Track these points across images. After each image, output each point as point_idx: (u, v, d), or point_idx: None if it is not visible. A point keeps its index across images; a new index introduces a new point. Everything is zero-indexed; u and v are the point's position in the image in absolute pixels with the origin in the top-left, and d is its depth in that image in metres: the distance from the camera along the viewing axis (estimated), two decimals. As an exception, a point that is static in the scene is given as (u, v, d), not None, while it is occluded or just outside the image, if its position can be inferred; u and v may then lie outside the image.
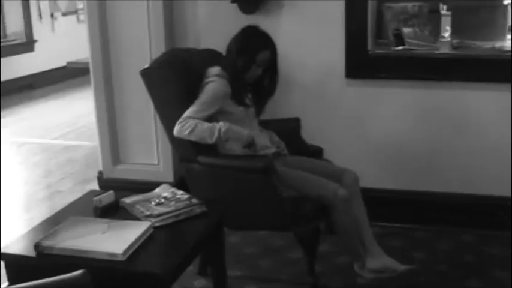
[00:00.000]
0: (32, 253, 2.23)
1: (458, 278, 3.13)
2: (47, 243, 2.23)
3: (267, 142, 3.07)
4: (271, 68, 3.04)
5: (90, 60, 3.82)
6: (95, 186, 4.09)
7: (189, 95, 2.95)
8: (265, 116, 3.19)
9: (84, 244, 2.19)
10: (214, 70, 2.98)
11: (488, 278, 3.13)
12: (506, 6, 3.71)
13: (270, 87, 3.10)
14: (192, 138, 2.84)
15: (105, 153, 3.93)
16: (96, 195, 2.59)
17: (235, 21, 3.53)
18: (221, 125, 2.84)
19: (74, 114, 7.08)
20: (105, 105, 3.83)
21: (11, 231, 3.76)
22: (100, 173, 4.04)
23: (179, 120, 2.85)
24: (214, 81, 2.93)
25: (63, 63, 6.58)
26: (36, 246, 2.23)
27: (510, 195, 3.48)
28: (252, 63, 2.96)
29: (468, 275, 3.15)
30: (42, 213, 4.01)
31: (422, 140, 3.61)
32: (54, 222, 2.45)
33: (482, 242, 3.47)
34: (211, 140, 2.84)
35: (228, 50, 3.04)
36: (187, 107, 2.92)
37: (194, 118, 2.84)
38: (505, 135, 3.46)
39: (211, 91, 2.91)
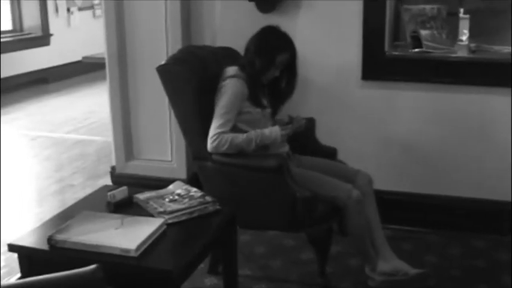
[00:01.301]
0: (45, 246, 2.24)
1: (468, 283, 3.12)
2: (60, 237, 2.23)
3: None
4: (290, 69, 3.03)
5: (105, 55, 3.83)
6: (106, 181, 4.12)
7: (205, 93, 2.94)
8: (280, 116, 3.18)
9: (97, 239, 2.19)
10: (232, 70, 2.96)
11: (497, 284, 3.11)
12: (525, 10, 3.68)
13: (288, 90, 3.08)
14: (229, 152, 2.85)
15: (118, 149, 3.94)
16: (109, 191, 2.59)
17: (252, 19, 3.53)
18: (254, 135, 2.85)
19: (87, 109, 7.11)
20: (119, 100, 3.83)
21: (22, 225, 3.78)
22: (113, 168, 4.05)
23: (211, 136, 2.84)
24: (231, 83, 2.91)
25: (78, 58, 6.60)
26: (50, 240, 2.23)
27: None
28: (271, 64, 2.94)
29: (478, 279, 3.14)
30: (53, 208, 4.03)
31: (437, 143, 3.58)
32: (67, 216, 2.45)
33: (493, 248, 3.45)
34: (249, 150, 2.86)
35: (247, 49, 3.02)
36: (202, 105, 2.93)
37: (225, 132, 2.84)
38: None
39: (229, 95, 2.89)
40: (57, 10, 8.91)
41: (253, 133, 2.87)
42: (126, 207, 2.54)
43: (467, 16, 3.78)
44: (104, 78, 3.92)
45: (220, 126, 2.85)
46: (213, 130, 2.85)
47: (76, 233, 2.24)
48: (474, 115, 3.50)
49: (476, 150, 3.54)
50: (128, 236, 2.22)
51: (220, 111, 2.88)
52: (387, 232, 3.12)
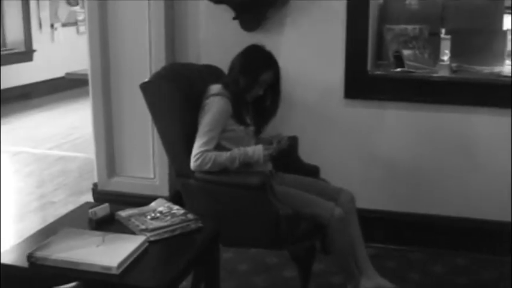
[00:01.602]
0: (24, 264, 2.21)
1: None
2: (41, 254, 2.21)
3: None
4: (274, 88, 3.04)
5: (89, 72, 3.83)
6: (88, 198, 4.08)
7: (188, 110, 2.95)
8: (262, 134, 3.18)
9: (78, 256, 2.17)
10: (216, 88, 2.97)
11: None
12: (505, 31, 3.74)
13: (272, 108, 3.10)
14: (213, 170, 2.85)
15: (100, 165, 3.92)
16: (91, 207, 2.57)
17: (236, 38, 3.55)
18: (238, 154, 2.85)
19: (69, 125, 7.08)
20: (102, 116, 3.82)
21: (2, 242, 3.74)
22: (95, 185, 4.02)
23: (195, 155, 2.84)
24: (215, 101, 2.91)
25: (62, 74, 6.58)
26: (30, 257, 2.21)
27: (509, 219, 3.47)
28: (255, 82, 2.96)
29: (461, 298, 3.16)
30: (34, 224, 3.99)
31: (420, 162, 3.61)
32: (48, 233, 2.43)
33: (476, 266, 3.47)
34: (232, 168, 2.86)
35: (231, 67, 3.04)
36: (185, 122, 2.93)
37: (209, 150, 2.84)
38: (504, 159, 3.47)
39: (213, 113, 2.89)
40: (40, 26, 8.90)
41: (236, 152, 2.87)
42: (108, 225, 2.51)
43: (448, 36, 3.84)
44: (87, 94, 3.91)
45: (203, 144, 2.85)
46: (196, 148, 2.85)
47: (57, 250, 2.22)
48: (456, 134, 3.54)
49: (458, 168, 3.57)
50: (109, 253, 2.20)
51: (203, 129, 2.88)
52: (370, 250, 3.13)
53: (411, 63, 3.56)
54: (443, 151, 3.57)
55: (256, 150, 2.88)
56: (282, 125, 3.32)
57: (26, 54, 8.64)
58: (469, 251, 3.57)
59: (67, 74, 6.23)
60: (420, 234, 3.66)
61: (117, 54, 3.74)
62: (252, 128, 3.07)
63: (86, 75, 3.89)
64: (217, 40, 3.69)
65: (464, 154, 3.55)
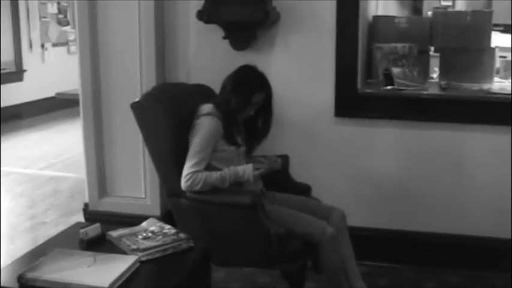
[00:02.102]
0: (15, 285, 2.20)
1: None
2: (31, 275, 2.20)
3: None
4: (266, 109, 3.06)
5: (80, 92, 3.82)
6: (79, 218, 4.07)
7: (179, 130, 2.96)
8: (254, 154, 3.20)
9: (69, 277, 2.17)
10: (207, 108, 2.98)
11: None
12: (493, 49, 3.77)
13: (264, 129, 3.11)
14: (203, 190, 2.86)
15: (91, 185, 3.91)
16: (82, 228, 2.57)
17: (227, 57, 3.57)
18: (228, 174, 2.86)
19: (60, 146, 7.07)
20: (93, 137, 3.82)
21: (-7, 262, 3.72)
22: (86, 205, 4.01)
23: (185, 175, 2.85)
24: (206, 122, 2.92)
25: (52, 94, 6.58)
26: (20, 278, 2.20)
27: (508, 237, 3.49)
28: (247, 103, 2.98)
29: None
30: (25, 245, 3.98)
31: (411, 179, 3.63)
32: (39, 253, 2.42)
33: (469, 283, 3.47)
34: (223, 187, 2.87)
35: (223, 87, 3.05)
36: (176, 142, 2.94)
37: (199, 171, 2.85)
38: (495, 176, 3.50)
39: (204, 133, 2.90)
40: (31, 46, 8.92)
41: (227, 172, 2.88)
42: (99, 245, 2.51)
43: (437, 54, 3.87)
44: (78, 114, 3.91)
45: (194, 165, 2.86)
46: (187, 169, 2.86)
47: (47, 271, 2.22)
48: (447, 151, 3.56)
49: (450, 186, 3.59)
50: (100, 273, 2.20)
51: (194, 150, 2.89)
52: (362, 268, 3.13)
53: (401, 81, 3.58)
54: (434, 168, 3.59)
55: (246, 170, 2.89)
56: (272, 144, 3.34)
57: (16, 74, 8.65)
58: (463, 268, 3.58)
59: (58, 94, 6.23)
60: (413, 251, 3.67)
61: (108, 74, 3.75)
62: (243, 149, 3.07)
63: (77, 95, 3.89)
64: (208, 59, 3.71)
65: (454, 171, 3.57)
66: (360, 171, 3.68)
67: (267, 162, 3.04)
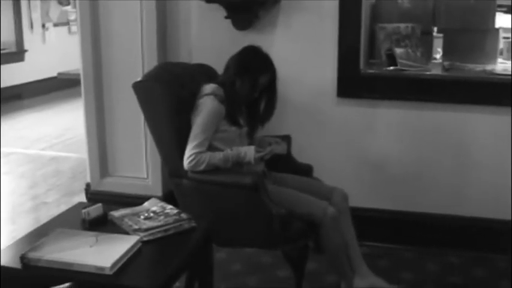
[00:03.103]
0: (17, 265, 2.21)
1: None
2: (33, 255, 2.21)
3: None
4: (270, 91, 3.05)
5: (81, 72, 3.82)
6: (81, 198, 4.08)
7: (181, 110, 2.95)
8: (256, 133, 3.19)
9: (71, 257, 2.18)
10: (209, 88, 2.96)
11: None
12: (497, 29, 3.75)
13: (267, 111, 3.09)
14: (206, 169, 2.86)
15: (93, 166, 3.92)
16: (84, 208, 2.57)
17: (228, 37, 3.56)
18: (231, 155, 2.86)
19: (62, 126, 7.06)
20: (95, 117, 3.82)
21: (-5, 242, 3.73)
22: (87, 185, 4.02)
23: (188, 156, 2.85)
24: (208, 102, 2.91)
25: (53, 74, 6.57)
26: (22, 258, 2.21)
27: (509, 218, 3.49)
28: (252, 85, 2.96)
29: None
30: (27, 225, 3.99)
31: (413, 160, 3.63)
32: (41, 234, 2.43)
33: (470, 264, 3.48)
34: (226, 167, 2.87)
35: (227, 68, 3.03)
36: (178, 122, 2.94)
37: (202, 152, 2.85)
38: (499, 157, 3.49)
39: (206, 113, 2.89)
40: (32, 26, 8.88)
41: (229, 152, 2.87)
42: (101, 225, 2.52)
43: (440, 35, 3.85)
44: (79, 94, 3.91)
45: (197, 145, 2.85)
46: (190, 150, 2.85)
47: (50, 251, 2.22)
48: (449, 132, 3.55)
49: (452, 166, 3.59)
50: (102, 253, 2.20)
51: (197, 130, 2.88)
52: (364, 249, 3.13)
53: (404, 61, 3.57)
54: (436, 149, 3.59)
55: (248, 152, 2.88)
56: (274, 124, 3.32)
57: (17, 55, 8.63)
58: (464, 249, 3.59)
59: (59, 74, 6.23)
60: (414, 232, 3.68)
61: (109, 54, 3.74)
62: (245, 129, 3.07)
63: (78, 75, 3.88)
64: (209, 39, 3.70)
65: (457, 152, 3.57)
66: (362, 151, 3.68)
67: (271, 147, 3.03)
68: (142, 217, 2.53)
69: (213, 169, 2.87)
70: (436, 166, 3.61)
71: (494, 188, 3.53)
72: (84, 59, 3.77)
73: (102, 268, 2.12)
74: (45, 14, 9.17)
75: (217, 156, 2.86)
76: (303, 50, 3.62)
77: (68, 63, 5.97)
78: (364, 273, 2.97)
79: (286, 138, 3.25)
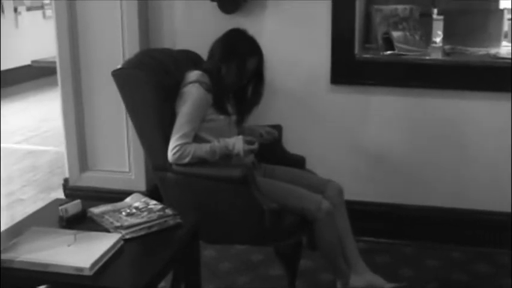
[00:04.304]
0: (-11, 266, 2.20)
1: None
2: (7, 255, 2.19)
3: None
4: (257, 76, 3.04)
5: (57, 59, 3.79)
6: (59, 194, 4.09)
7: (165, 99, 2.94)
8: (245, 122, 3.18)
9: (48, 257, 2.16)
10: (194, 75, 2.94)
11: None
12: (501, 10, 3.75)
13: (255, 97, 3.09)
14: (192, 161, 2.85)
15: (71, 159, 3.90)
16: (61, 204, 2.56)
17: (215, 21, 3.55)
18: (218, 147, 2.85)
19: (38, 117, 7.03)
20: (73, 107, 3.80)
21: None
22: (66, 180, 4.01)
23: (173, 148, 2.83)
24: (193, 90, 2.90)
25: (27, 62, 6.54)
26: (-5, 259, 2.20)
27: (509, 210, 3.51)
28: (239, 71, 2.95)
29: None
30: (1, 223, 3.96)
31: (412, 150, 3.63)
32: (15, 232, 2.41)
33: (472, 260, 3.50)
34: (213, 160, 2.86)
35: (212, 53, 3.03)
36: (162, 111, 2.93)
37: (188, 143, 2.84)
38: (502, 146, 3.50)
39: (192, 102, 2.88)
40: (3, 10, 8.81)
41: (216, 144, 2.86)
42: (80, 222, 2.50)
43: (441, 17, 3.84)
44: (55, 83, 3.89)
45: (182, 136, 2.84)
46: (174, 141, 2.85)
47: (25, 251, 2.21)
48: (450, 120, 3.56)
49: (453, 157, 3.59)
50: (81, 253, 2.19)
51: (182, 120, 2.87)
52: (360, 245, 3.15)
53: (401, 45, 3.57)
54: (436, 139, 3.59)
55: (236, 143, 2.87)
56: (264, 113, 3.33)
57: (-12, 42, 8.57)
58: (465, 244, 3.60)
59: (33, 62, 6.21)
60: (413, 227, 3.69)
61: (87, 40, 3.72)
62: (233, 118, 3.06)
63: (54, 62, 3.86)
64: (194, 23, 3.68)
65: (458, 142, 3.57)
66: (358, 141, 3.68)
67: (259, 136, 3.03)
68: (124, 213, 2.51)
69: (200, 161, 2.86)
70: (436, 156, 3.61)
71: (503, 180, 3.53)
72: (60, 46, 3.74)
73: (81, 269, 2.11)
74: (18, -3, 9.12)
75: (203, 148, 2.85)
76: (294, 34, 3.61)
77: (43, 50, 5.94)
78: (361, 271, 2.98)
79: (277, 128, 3.25)
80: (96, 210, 2.57)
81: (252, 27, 3.17)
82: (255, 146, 2.91)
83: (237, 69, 2.96)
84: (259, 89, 3.08)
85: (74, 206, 2.56)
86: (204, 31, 3.36)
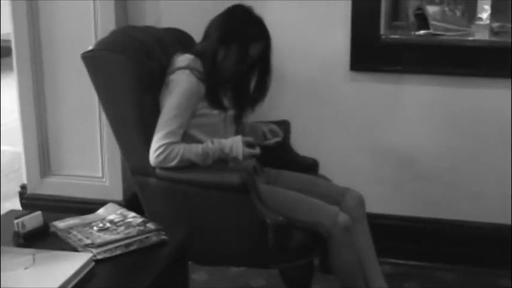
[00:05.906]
0: None
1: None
2: (-50, 280, 2.19)
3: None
4: (263, 65, 3.05)
5: (12, 38, 3.80)
6: (15, 205, 4.10)
7: (146, 89, 2.95)
8: (245, 118, 3.19)
9: (0, 283, 2.16)
10: (184, 59, 2.94)
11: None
12: None
13: (260, 91, 3.10)
14: (179, 165, 2.85)
15: (31, 162, 3.92)
16: (17, 217, 2.55)
17: (206, -7, 3.55)
18: (212, 149, 2.85)
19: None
20: (32, 98, 3.81)
21: None
22: (23, 187, 4.03)
23: (157, 148, 2.83)
24: (183, 79, 2.90)
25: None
26: None
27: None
28: (240, 56, 2.95)
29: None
30: None
31: (450, 153, 3.64)
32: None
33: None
34: (205, 164, 2.86)
35: (207, 34, 3.03)
36: (143, 104, 2.94)
37: (175, 142, 2.84)
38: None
39: (180, 93, 2.88)
40: None
41: (210, 147, 2.86)
42: (40, 239, 2.50)
43: (488, -12, 3.86)
44: (11, 68, 3.88)
45: (168, 134, 2.84)
46: (158, 140, 2.84)
47: (-28, 275, 2.20)
48: (499, 116, 3.55)
49: (501, 160, 3.59)
50: (42, 277, 2.18)
51: (168, 115, 2.87)
52: (385, 267, 3.17)
53: (438, 23, 3.59)
54: (479, 138, 3.60)
55: (234, 145, 2.87)
56: (269, 107, 3.32)
57: None
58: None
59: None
60: (452, 247, 3.69)
61: (51, 15, 3.72)
62: (230, 113, 3.06)
63: (9, 41, 3.86)
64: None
65: (505, 142, 3.56)
66: (382, 141, 3.69)
67: (262, 138, 3.03)
68: (95, 228, 2.51)
69: (188, 165, 2.85)
70: (479, 161, 3.62)
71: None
72: (16, 21, 3.75)
73: (41, 297, 2.10)
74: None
75: (193, 150, 2.84)
76: (306, 11, 3.62)
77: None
78: (385, 299, 2.99)
79: (283, 124, 3.27)
80: (60, 224, 2.57)
81: (255, 3, 3.16)
82: (257, 151, 2.90)
83: (237, 55, 2.96)
84: (265, 81, 3.09)
85: (32, 219, 2.55)
86: (196, 6, 3.37)
